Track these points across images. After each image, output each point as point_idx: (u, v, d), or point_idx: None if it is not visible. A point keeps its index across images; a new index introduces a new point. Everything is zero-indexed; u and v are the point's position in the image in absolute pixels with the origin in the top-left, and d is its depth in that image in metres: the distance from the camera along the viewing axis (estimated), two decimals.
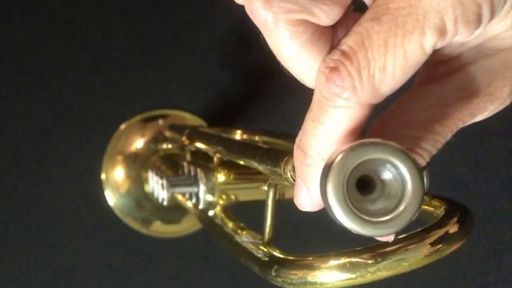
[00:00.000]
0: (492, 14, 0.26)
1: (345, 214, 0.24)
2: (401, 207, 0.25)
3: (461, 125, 0.29)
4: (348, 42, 0.26)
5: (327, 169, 0.25)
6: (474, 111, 0.28)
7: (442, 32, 0.25)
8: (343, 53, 0.25)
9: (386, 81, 0.25)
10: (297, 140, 0.28)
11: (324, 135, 0.26)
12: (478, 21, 0.25)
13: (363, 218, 0.24)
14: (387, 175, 0.25)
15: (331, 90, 0.25)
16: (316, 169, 0.27)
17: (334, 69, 0.25)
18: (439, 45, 0.25)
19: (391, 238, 0.29)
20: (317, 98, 0.26)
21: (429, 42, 0.25)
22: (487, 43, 0.28)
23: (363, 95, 0.25)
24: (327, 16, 0.26)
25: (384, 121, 0.29)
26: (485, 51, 0.29)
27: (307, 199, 0.28)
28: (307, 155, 0.27)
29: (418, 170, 0.24)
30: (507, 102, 0.29)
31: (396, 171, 0.25)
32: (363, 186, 0.25)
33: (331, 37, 0.28)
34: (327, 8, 0.26)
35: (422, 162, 0.29)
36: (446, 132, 0.29)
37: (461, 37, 0.26)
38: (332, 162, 0.24)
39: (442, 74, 0.29)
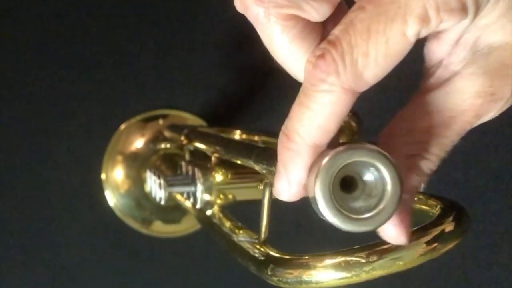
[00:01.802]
0: (478, 5, 0.26)
1: (329, 210, 0.26)
2: (380, 206, 0.26)
3: (468, 127, 0.29)
4: (335, 32, 0.26)
5: (317, 167, 0.26)
6: (479, 113, 0.29)
7: (424, 20, 0.25)
8: (329, 42, 0.26)
9: (369, 67, 0.26)
10: (282, 127, 0.28)
11: (309, 119, 0.27)
12: (462, 9, 0.26)
13: (345, 215, 0.26)
14: (368, 176, 0.27)
15: (316, 76, 0.26)
16: (299, 155, 0.28)
17: (320, 57, 0.26)
18: (423, 33, 0.26)
19: (404, 240, 0.29)
20: (304, 85, 0.27)
21: (411, 30, 0.25)
22: (480, 40, 0.29)
23: (346, 80, 0.26)
24: (316, 12, 0.28)
25: (392, 128, 0.30)
26: (480, 50, 0.29)
27: (285, 188, 0.28)
28: (291, 139, 0.28)
29: (398, 173, 0.26)
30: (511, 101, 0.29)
31: (378, 173, 0.26)
32: (345, 185, 0.27)
33: (321, 32, 0.29)
34: (316, 4, 0.27)
35: (432, 166, 0.29)
36: (453, 135, 0.29)
37: (447, 25, 0.26)
38: (322, 161, 0.26)
39: (444, 78, 0.30)
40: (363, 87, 0.26)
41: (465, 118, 0.29)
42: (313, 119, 0.27)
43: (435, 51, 0.30)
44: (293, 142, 0.28)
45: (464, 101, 0.29)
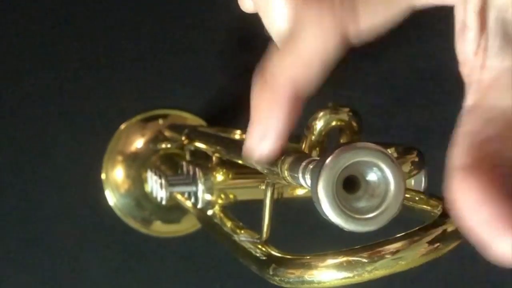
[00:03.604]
0: None
1: (333, 210, 0.26)
2: (383, 207, 0.27)
3: None
4: None
5: (321, 166, 0.26)
6: None
7: None
8: None
9: (366, 8, 0.24)
10: (258, 70, 0.26)
11: (290, 53, 0.24)
12: None
13: (348, 214, 0.26)
14: (372, 176, 0.27)
15: (305, 12, 0.24)
16: (277, 98, 0.25)
17: None
18: None
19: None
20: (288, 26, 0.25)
21: None
22: (508, 22, 0.25)
23: (339, 13, 0.23)
24: None
25: (459, 156, 0.23)
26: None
27: (258, 142, 0.26)
28: (268, 80, 0.25)
29: (401, 174, 0.27)
30: None
31: (381, 173, 0.27)
32: (348, 185, 0.27)
33: None
34: None
35: None
36: None
37: None
38: (326, 160, 0.26)
39: (489, 79, 0.25)
40: (353, 33, 0.24)
41: None
42: (295, 52, 0.24)
43: (465, 41, 0.25)
44: (270, 84, 0.25)
45: None
